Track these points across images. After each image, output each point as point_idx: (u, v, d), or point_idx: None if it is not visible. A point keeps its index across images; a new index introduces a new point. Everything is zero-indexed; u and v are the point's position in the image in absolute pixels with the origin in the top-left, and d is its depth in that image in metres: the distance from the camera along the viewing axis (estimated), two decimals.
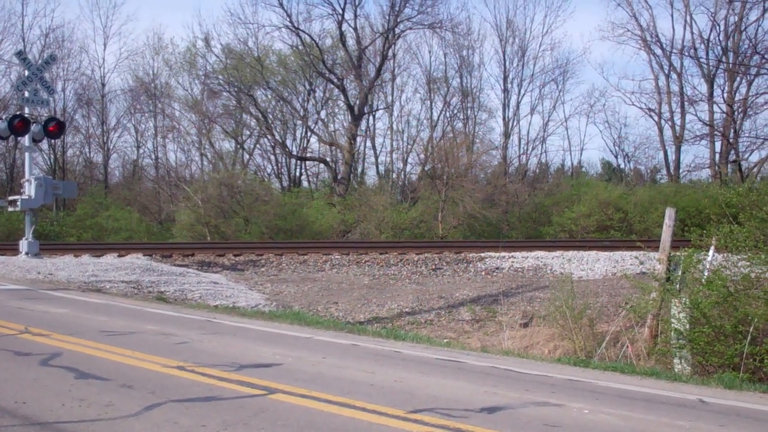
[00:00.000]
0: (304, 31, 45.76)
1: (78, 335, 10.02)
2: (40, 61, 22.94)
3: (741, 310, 12.04)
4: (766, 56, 40.51)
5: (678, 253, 14.93)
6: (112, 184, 51.50)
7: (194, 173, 50.73)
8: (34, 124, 21.16)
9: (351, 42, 46.40)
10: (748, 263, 13.02)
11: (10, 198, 21.98)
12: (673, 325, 13.35)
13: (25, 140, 21.58)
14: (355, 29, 46.20)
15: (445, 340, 14.99)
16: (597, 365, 10.11)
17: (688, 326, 13.01)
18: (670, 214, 15.46)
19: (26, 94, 21.36)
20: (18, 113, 21.68)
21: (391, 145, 50.72)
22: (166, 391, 7.10)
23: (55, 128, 21.38)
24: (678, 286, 13.97)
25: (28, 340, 9.59)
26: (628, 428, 6.41)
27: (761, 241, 12.36)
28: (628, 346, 14.70)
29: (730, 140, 43.90)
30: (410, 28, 46.79)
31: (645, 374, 9.52)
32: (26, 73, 21.57)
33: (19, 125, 20.60)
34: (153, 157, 52.51)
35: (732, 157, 44.38)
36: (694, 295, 12.72)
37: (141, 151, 53.37)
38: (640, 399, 7.71)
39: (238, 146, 51.13)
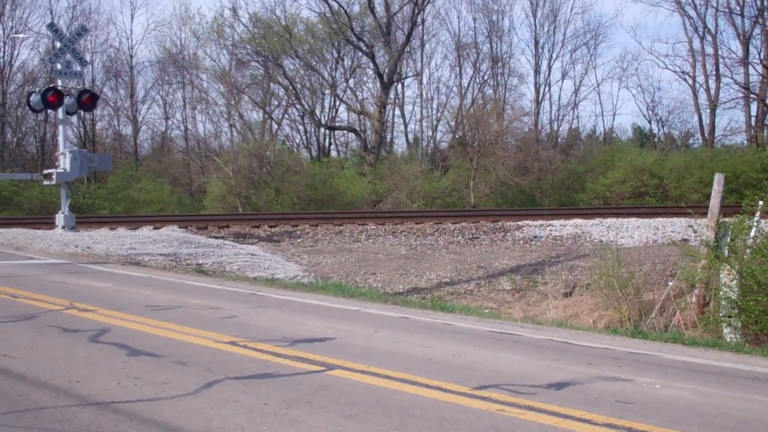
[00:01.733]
0: None
1: (124, 310, 9.87)
2: (70, 33, 22.72)
3: None
4: None
5: (727, 220, 14.59)
6: (141, 157, 51.49)
7: (223, 144, 50.64)
8: (67, 97, 21.02)
9: (379, 9, 45.95)
10: None
11: (45, 171, 21.95)
12: (723, 293, 13.04)
13: (59, 113, 21.48)
14: None
15: (486, 311, 14.76)
16: (656, 336, 9.83)
17: (737, 294, 12.71)
18: (719, 179, 15.08)
19: (58, 66, 21.19)
20: (51, 86, 21.56)
21: (421, 113, 50.31)
22: (221, 368, 6.92)
23: (88, 100, 21.24)
24: (728, 253, 13.64)
25: (74, 316, 9.46)
26: (705, 404, 6.15)
27: None
28: (676, 316, 14.41)
29: (767, 103, 43.08)
30: None
31: (707, 345, 9.22)
32: (57, 45, 21.41)
33: (52, 98, 20.48)
34: (182, 128, 52.44)
35: None
36: (748, 263, 12.37)
37: (170, 122, 53.31)
38: (709, 372, 7.45)
39: (267, 116, 50.87)
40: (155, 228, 22.42)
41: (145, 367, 6.97)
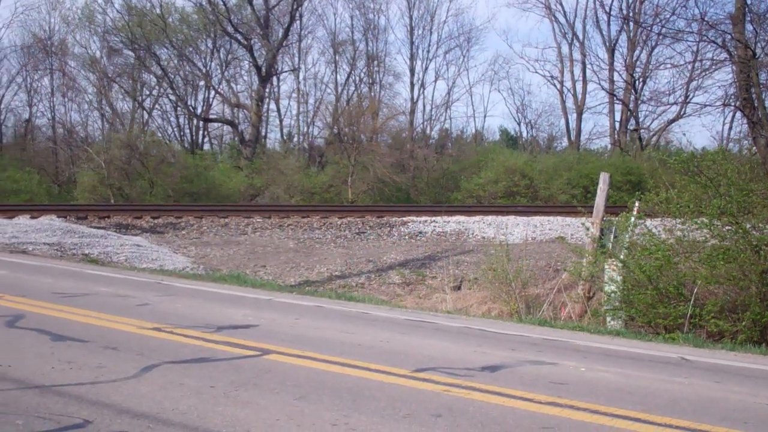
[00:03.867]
0: None
1: (31, 297, 9.59)
2: None
3: (683, 273, 12.40)
4: (666, 25, 41.53)
5: (612, 218, 15.32)
6: (3, 145, 49.19)
7: (92, 134, 49.07)
8: None
9: (257, 1, 45.53)
10: (684, 227, 13.40)
11: None
12: (608, 287, 13.67)
13: None
14: None
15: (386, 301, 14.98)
16: (562, 325, 10.27)
17: (621, 287, 13.35)
18: (604, 178, 15.76)
19: None
20: None
21: (298, 108, 50.21)
22: (155, 353, 6.87)
23: None
24: (612, 248, 14.31)
25: None
26: (633, 385, 6.52)
27: (703, 205, 12.72)
28: (561, 308, 15.03)
29: (630, 108, 45.06)
30: None
31: (612, 334, 9.72)
32: None
33: None
34: (50, 116, 50.41)
35: (632, 125, 45.57)
36: (637, 258, 13.01)
37: (34, 110, 51.18)
38: (625, 357, 7.85)
39: (137, 106, 49.61)
40: (33, 217, 21.62)
41: (74, 352, 6.84)
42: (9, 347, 6.94)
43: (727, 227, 12.30)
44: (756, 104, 19.71)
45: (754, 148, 21.19)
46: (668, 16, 38.18)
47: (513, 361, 7.26)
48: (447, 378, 6.38)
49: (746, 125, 22.63)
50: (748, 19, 20.11)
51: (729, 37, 20.73)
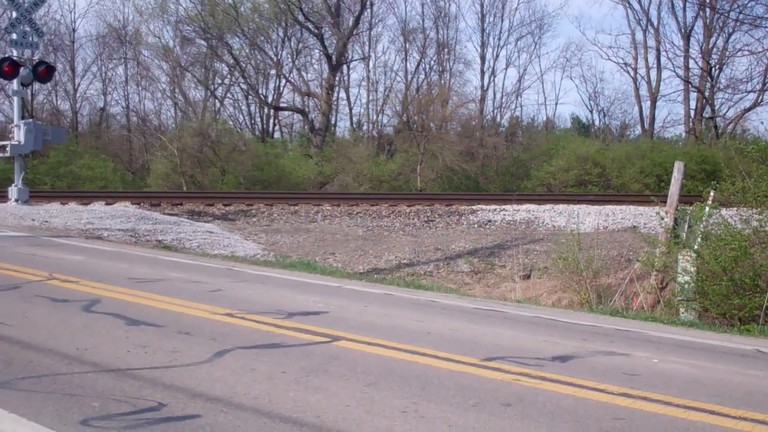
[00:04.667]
0: None
1: (107, 282, 9.79)
2: (27, 3, 22.03)
3: (759, 263, 12.14)
4: (744, 11, 40.49)
5: (686, 207, 15.04)
6: (79, 132, 50.33)
7: (165, 122, 50.00)
8: (23, 68, 20.47)
9: None
10: (761, 217, 13.09)
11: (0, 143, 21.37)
12: (682, 277, 13.45)
13: (14, 84, 20.88)
14: None
15: (455, 289, 14.94)
16: (634, 316, 10.15)
17: (695, 278, 13.13)
18: (679, 167, 15.50)
19: (14, 36, 20.60)
20: (6, 56, 20.92)
21: (368, 97, 50.32)
22: (227, 339, 6.96)
23: (44, 72, 20.74)
24: (686, 238, 14.07)
25: (58, 287, 9.35)
26: (707, 377, 6.41)
27: None
28: (633, 298, 14.83)
29: (706, 96, 44.11)
30: None
31: (685, 325, 9.56)
32: (14, 14, 20.84)
33: (8, 69, 19.89)
34: (124, 104, 51.49)
35: (707, 113, 44.60)
36: (711, 249, 12.77)
37: (108, 98, 52.26)
38: (699, 349, 7.72)
39: (209, 94, 50.32)
40: (108, 204, 22.15)
41: (149, 337, 6.96)
42: (86, 331, 7.10)
43: None
44: None
45: None
46: (746, 1, 37.29)
47: (584, 351, 7.19)
48: (517, 367, 6.34)
49: None
50: None
51: None
